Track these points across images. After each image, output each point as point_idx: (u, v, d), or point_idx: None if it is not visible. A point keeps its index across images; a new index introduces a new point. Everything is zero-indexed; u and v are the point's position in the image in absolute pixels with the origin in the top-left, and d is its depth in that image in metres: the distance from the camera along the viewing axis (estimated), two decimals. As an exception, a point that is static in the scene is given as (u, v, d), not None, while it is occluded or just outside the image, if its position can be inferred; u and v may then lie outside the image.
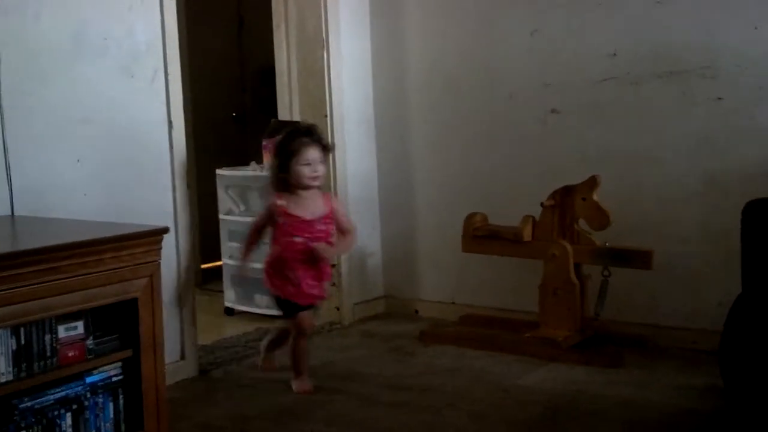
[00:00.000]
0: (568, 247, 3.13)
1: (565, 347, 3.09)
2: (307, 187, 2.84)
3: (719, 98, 3.09)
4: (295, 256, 2.82)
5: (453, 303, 3.77)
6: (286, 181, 2.85)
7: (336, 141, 3.71)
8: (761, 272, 2.34)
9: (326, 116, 3.72)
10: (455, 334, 3.43)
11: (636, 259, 3.02)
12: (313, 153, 2.83)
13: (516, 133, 3.57)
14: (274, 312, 3.86)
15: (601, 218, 3.08)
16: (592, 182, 3.12)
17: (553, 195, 3.20)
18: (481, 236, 3.35)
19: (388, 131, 3.94)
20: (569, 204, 3.18)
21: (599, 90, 3.35)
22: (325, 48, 3.70)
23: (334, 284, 3.79)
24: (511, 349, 3.20)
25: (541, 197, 3.20)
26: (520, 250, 3.26)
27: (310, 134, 2.87)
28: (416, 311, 3.90)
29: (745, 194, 2.50)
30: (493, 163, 3.63)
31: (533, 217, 3.23)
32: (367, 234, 3.87)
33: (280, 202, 2.84)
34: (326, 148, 2.91)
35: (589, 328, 3.18)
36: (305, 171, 2.81)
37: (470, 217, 3.37)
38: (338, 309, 3.79)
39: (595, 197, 3.10)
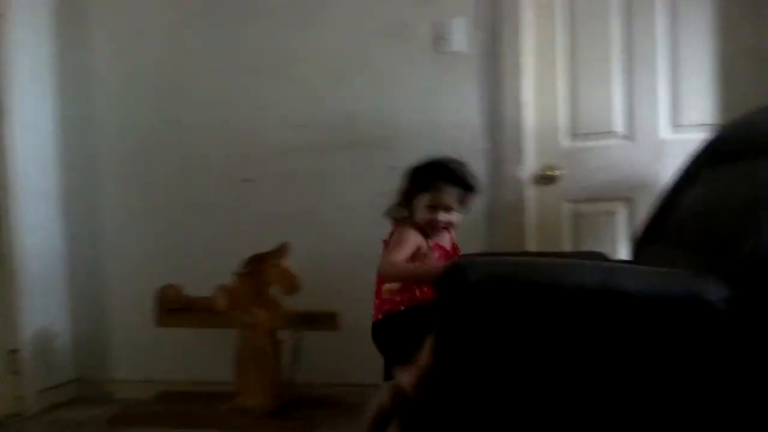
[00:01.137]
0: (260, 314, 3.15)
1: (259, 416, 3.07)
2: (428, 232, 2.33)
3: (393, 167, 3.33)
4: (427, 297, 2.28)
5: (151, 381, 3.59)
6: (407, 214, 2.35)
7: (13, 215, 3.41)
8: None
9: (2, 188, 3.43)
10: (149, 415, 3.25)
11: (323, 321, 3.12)
12: (449, 197, 2.30)
13: (212, 202, 3.56)
14: None
15: (291, 283, 3.14)
16: (282, 249, 3.18)
17: (247, 263, 3.22)
18: (174, 309, 3.26)
19: (76, 202, 3.70)
20: (262, 271, 3.21)
21: (291, 159, 3.47)
22: (1, 115, 3.43)
23: (17, 372, 3.45)
24: (209, 424, 3.10)
25: (237, 265, 3.20)
26: (214, 320, 3.21)
27: (455, 174, 2.30)
28: (111, 393, 3.65)
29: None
30: (190, 232, 3.58)
31: (227, 286, 3.21)
32: (53, 314, 3.59)
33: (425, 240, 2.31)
34: (470, 192, 2.33)
35: (285, 393, 3.20)
36: (433, 216, 2.29)
37: (162, 290, 3.27)
38: (20, 398, 3.43)
39: (284, 263, 3.16)
